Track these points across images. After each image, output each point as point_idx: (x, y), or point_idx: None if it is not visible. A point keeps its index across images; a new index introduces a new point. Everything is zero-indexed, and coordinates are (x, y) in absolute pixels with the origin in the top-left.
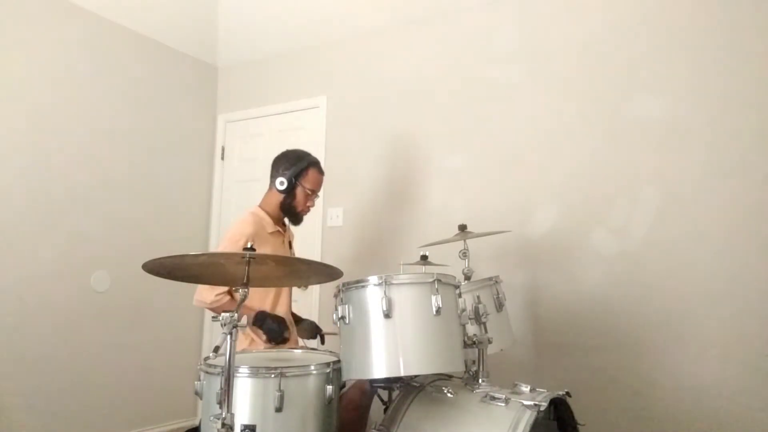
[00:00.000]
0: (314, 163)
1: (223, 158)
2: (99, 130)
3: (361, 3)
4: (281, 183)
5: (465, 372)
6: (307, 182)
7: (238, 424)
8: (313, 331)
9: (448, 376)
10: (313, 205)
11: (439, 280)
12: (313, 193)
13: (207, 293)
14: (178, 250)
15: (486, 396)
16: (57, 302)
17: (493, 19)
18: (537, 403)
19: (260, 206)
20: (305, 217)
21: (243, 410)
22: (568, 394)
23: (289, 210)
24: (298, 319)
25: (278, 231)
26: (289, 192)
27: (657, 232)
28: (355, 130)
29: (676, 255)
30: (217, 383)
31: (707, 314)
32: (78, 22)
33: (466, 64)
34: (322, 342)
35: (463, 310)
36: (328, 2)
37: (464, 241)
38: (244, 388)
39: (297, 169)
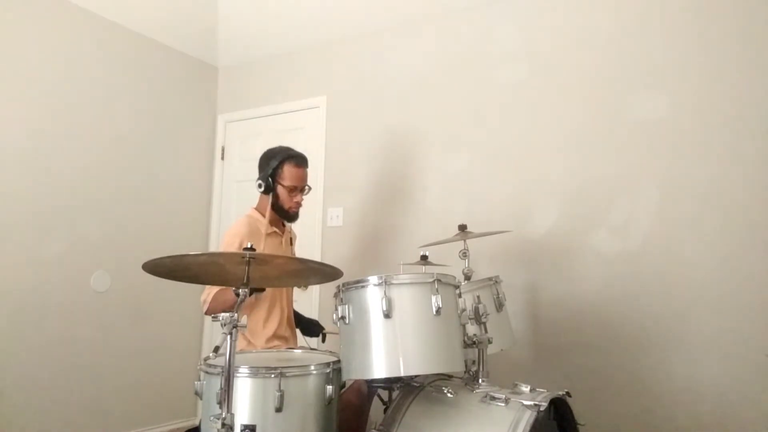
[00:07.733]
0: (289, 158)
1: (223, 158)
2: (99, 130)
3: (361, 3)
4: (260, 185)
5: (465, 372)
6: (284, 179)
7: (238, 424)
8: (315, 329)
9: (448, 376)
10: (300, 200)
11: (439, 280)
12: (295, 188)
13: (203, 296)
14: (178, 250)
15: (486, 396)
16: (57, 302)
17: (494, 19)
18: (537, 403)
19: (256, 208)
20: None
21: (243, 410)
22: (568, 394)
23: (279, 210)
24: (300, 318)
25: (275, 232)
26: (272, 192)
27: (657, 232)
28: (354, 130)
29: (676, 255)
30: (217, 383)
31: (707, 314)
32: (77, 22)
33: (466, 64)
34: (323, 340)
35: (463, 310)
36: (327, 2)
37: (464, 241)
38: (244, 388)
39: (270, 168)
